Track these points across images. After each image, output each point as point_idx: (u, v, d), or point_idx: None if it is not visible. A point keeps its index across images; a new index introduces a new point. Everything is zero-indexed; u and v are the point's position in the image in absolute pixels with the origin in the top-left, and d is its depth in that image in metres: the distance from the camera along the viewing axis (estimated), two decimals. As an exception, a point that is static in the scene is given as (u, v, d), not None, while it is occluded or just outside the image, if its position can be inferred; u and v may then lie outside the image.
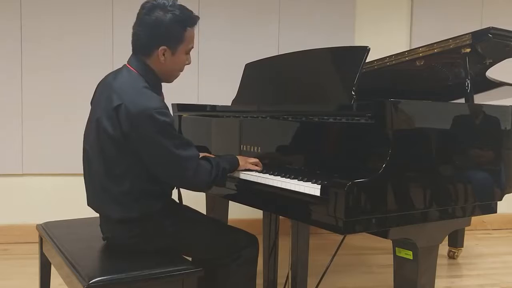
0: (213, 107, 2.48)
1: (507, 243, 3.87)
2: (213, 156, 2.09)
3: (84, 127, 3.42)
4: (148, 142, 1.63)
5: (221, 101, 2.66)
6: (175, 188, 1.95)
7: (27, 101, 3.46)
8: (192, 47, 1.82)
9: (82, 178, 1.91)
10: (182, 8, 1.75)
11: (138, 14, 1.76)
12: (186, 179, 1.71)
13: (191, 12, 1.77)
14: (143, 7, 1.75)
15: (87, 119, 1.87)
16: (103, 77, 1.91)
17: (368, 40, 3.69)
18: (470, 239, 3.77)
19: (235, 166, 1.91)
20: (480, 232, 4.10)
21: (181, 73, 1.86)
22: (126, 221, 1.73)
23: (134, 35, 1.77)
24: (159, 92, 1.80)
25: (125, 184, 1.70)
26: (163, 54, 1.73)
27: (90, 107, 3.66)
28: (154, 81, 1.77)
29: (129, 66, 1.78)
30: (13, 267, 3.01)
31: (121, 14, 3.55)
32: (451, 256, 3.33)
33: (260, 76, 2.43)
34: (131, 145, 1.66)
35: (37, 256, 2.12)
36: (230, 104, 2.59)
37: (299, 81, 2.17)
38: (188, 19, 1.75)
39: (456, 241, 3.29)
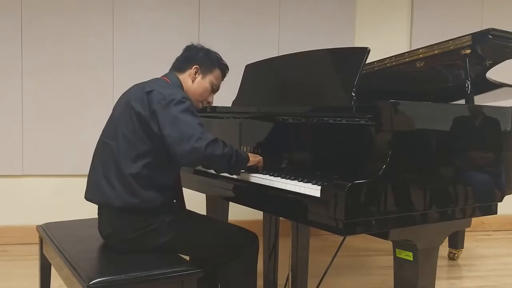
0: (213, 108, 2.48)
1: (507, 244, 3.87)
2: None
3: (85, 127, 3.43)
4: (173, 118, 1.73)
5: (221, 102, 2.65)
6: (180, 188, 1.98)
7: (28, 103, 3.46)
8: (217, 88, 2.08)
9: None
10: (218, 55, 2.07)
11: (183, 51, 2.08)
12: (199, 146, 1.70)
13: (225, 63, 2.08)
14: (186, 46, 2.08)
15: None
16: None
17: (368, 41, 3.70)
18: (470, 241, 3.77)
19: (245, 157, 1.90)
20: (480, 233, 4.10)
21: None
22: (127, 210, 1.75)
23: (175, 61, 2.06)
24: None
25: (135, 166, 1.76)
26: (195, 72, 1.99)
27: (89, 107, 3.66)
28: None
29: (163, 78, 1.99)
30: (13, 268, 3.01)
31: (122, 16, 3.55)
32: (451, 258, 3.33)
33: (260, 77, 2.43)
34: (156, 122, 1.74)
35: (37, 257, 2.13)
36: (230, 105, 2.59)
37: (299, 82, 2.17)
38: (220, 63, 2.06)
39: (456, 242, 3.29)
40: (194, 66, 1.99)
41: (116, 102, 1.95)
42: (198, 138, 1.70)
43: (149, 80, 1.94)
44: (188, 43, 2.10)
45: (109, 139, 1.84)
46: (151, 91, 1.79)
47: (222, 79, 2.09)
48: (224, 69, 2.08)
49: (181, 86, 1.96)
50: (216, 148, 1.73)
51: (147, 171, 1.76)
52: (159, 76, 2.00)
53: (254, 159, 1.95)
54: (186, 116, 1.74)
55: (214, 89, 2.06)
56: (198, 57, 2.01)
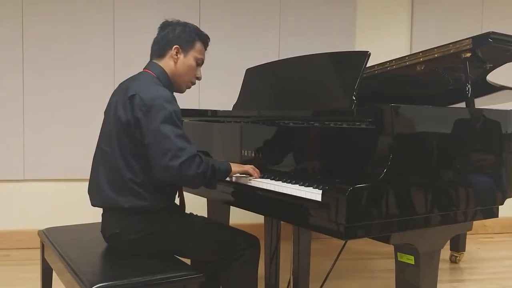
0: (214, 112, 2.49)
1: (508, 247, 3.87)
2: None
3: (86, 132, 3.43)
4: (154, 128, 1.71)
5: (222, 106, 2.66)
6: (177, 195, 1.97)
7: (29, 106, 3.47)
8: (202, 61, 2.00)
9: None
10: (196, 26, 2.00)
11: (158, 30, 2.00)
12: (172, 165, 1.68)
13: (203, 31, 2.00)
14: (161, 24, 2.00)
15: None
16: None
17: (368, 45, 3.70)
18: (472, 243, 3.76)
19: (226, 168, 1.89)
20: (482, 236, 4.09)
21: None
22: (138, 211, 1.77)
23: (152, 45, 1.98)
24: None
25: (139, 176, 1.77)
26: (176, 53, 1.92)
27: (91, 111, 3.67)
28: (166, 84, 1.91)
29: (145, 70, 1.95)
30: (14, 273, 3.01)
31: (122, 18, 3.56)
32: (453, 261, 3.32)
33: (261, 81, 2.43)
34: (139, 129, 1.74)
35: (39, 261, 2.13)
36: (231, 109, 2.60)
37: (300, 86, 2.17)
38: (200, 34, 1.98)
39: (457, 245, 3.28)
40: (174, 47, 1.92)
41: (108, 103, 1.94)
42: (173, 156, 1.68)
43: (134, 76, 1.92)
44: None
45: (105, 145, 1.84)
46: (133, 96, 1.76)
47: (205, 50, 2.02)
48: (205, 40, 2.00)
49: (165, 75, 1.92)
50: (190, 167, 1.70)
51: (146, 176, 1.77)
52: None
53: (239, 169, 1.94)
54: (165, 127, 1.70)
55: (199, 63, 1.99)
56: (175, 36, 1.93)
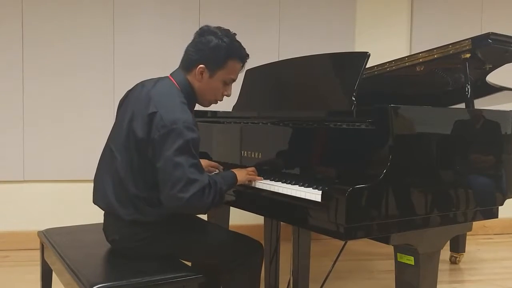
0: (214, 113, 2.49)
1: (508, 248, 3.87)
2: (213, 164, 2.10)
3: (86, 132, 3.41)
4: (168, 154, 1.64)
5: (222, 107, 2.65)
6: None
7: (28, 107, 3.47)
8: (233, 80, 1.88)
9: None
10: (234, 40, 1.85)
11: (194, 35, 1.86)
12: (181, 197, 1.62)
13: (242, 48, 1.87)
14: (199, 30, 1.85)
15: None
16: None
17: (368, 46, 3.70)
18: (472, 244, 3.76)
19: (232, 183, 1.84)
20: (482, 237, 4.09)
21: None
22: (139, 223, 1.75)
23: (184, 52, 1.86)
24: (191, 110, 1.82)
25: (144, 191, 1.73)
26: (201, 73, 1.80)
27: (91, 111, 3.66)
28: (190, 98, 1.82)
29: (171, 78, 1.85)
30: (14, 274, 3.01)
31: (122, 20, 3.56)
32: (453, 262, 3.32)
33: (261, 82, 2.44)
34: (153, 150, 1.67)
35: (39, 262, 2.12)
36: (231, 110, 2.60)
37: (300, 87, 2.17)
38: (235, 51, 1.84)
39: (457, 246, 3.28)
40: (199, 67, 1.78)
41: (123, 102, 1.89)
42: (183, 186, 1.61)
43: (158, 83, 1.81)
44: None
45: (115, 149, 1.79)
46: (154, 114, 1.67)
47: (243, 66, 1.88)
48: (242, 58, 1.86)
49: (188, 89, 1.82)
50: (200, 199, 1.64)
51: (152, 191, 1.72)
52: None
53: (244, 178, 1.88)
54: (180, 155, 1.63)
55: (228, 82, 1.86)
56: (204, 53, 1.78)
